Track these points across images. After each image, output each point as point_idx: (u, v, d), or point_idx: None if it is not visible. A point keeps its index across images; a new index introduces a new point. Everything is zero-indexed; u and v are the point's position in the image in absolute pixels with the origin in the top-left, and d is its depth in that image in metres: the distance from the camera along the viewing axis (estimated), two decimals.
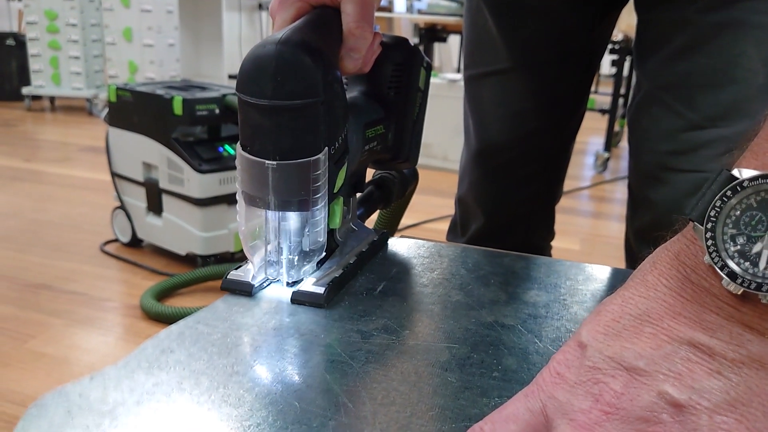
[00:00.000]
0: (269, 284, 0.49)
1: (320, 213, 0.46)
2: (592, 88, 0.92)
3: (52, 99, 4.68)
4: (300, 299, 0.47)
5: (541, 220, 0.93)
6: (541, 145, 0.85)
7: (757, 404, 0.25)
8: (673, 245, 0.29)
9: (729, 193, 0.27)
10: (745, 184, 0.26)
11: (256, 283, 0.48)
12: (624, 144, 4.28)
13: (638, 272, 0.30)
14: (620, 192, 3.26)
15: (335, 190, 0.48)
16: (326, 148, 0.44)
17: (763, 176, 0.26)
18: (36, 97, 4.61)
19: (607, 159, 3.49)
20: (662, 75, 0.67)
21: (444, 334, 0.44)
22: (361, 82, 0.57)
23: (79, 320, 1.63)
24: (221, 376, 0.37)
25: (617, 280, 0.57)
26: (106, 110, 2.03)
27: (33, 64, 4.34)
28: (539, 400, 0.28)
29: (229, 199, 1.87)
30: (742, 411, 0.25)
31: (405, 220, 2.51)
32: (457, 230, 0.94)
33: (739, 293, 0.26)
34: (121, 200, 2.05)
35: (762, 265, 0.26)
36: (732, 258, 0.26)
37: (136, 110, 1.90)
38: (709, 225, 0.27)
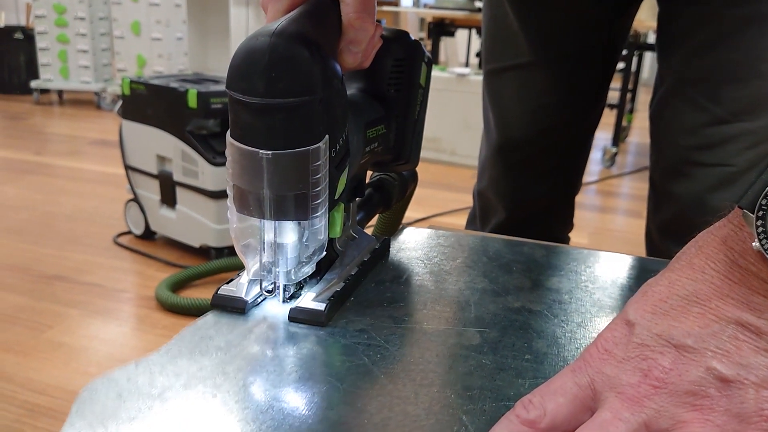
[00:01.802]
0: (264, 299, 0.46)
1: (321, 208, 0.42)
2: None
3: (60, 92, 4.71)
4: (299, 317, 0.43)
5: (560, 212, 0.94)
6: (562, 139, 0.86)
7: None
8: (719, 230, 0.30)
9: None
10: None
11: (249, 298, 0.44)
12: (631, 139, 4.29)
13: (683, 256, 0.31)
14: (627, 187, 3.27)
15: (336, 197, 0.44)
16: (326, 135, 0.41)
17: None
18: (44, 91, 4.63)
19: (615, 154, 3.50)
20: (686, 69, 0.68)
21: (474, 318, 0.45)
22: (358, 79, 0.52)
23: (96, 311, 1.65)
24: (262, 361, 0.39)
25: (635, 267, 0.59)
26: (120, 103, 2.05)
27: (41, 58, 4.36)
28: (587, 374, 0.30)
29: None
30: None
31: (414, 214, 2.52)
32: (477, 223, 0.95)
33: None
34: (134, 193, 2.07)
35: None
36: None
37: (150, 103, 1.92)
38: (760, 213, 0.28)
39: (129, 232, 2.14)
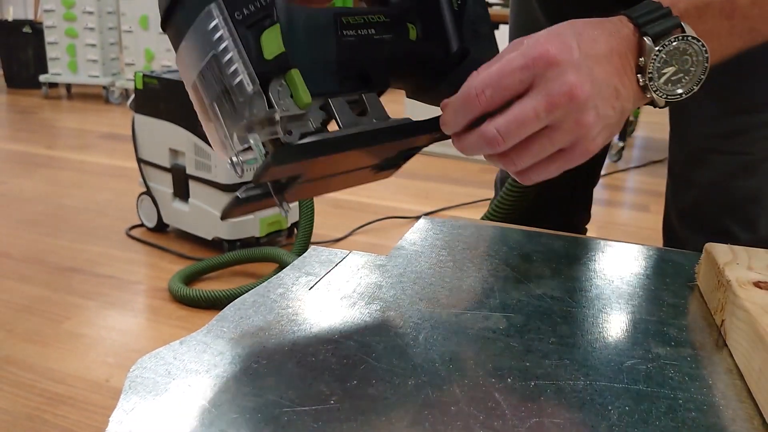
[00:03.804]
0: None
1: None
2: None
3: (68, 86, 4.73)
4: None
5: (580, 202, 0.97)
6: None
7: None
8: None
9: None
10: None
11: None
12: (637, 133, 4.29)
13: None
14: (634, 181, 3.28)
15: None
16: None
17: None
18: (53, 85, 4.65)
19: (622, 148, 3.51)
20: None
21: (499, 304, 0.47)
22: None
23: (111, 302, 1.68)
24: (301, 340, 0.41)
25: (651, 258, 0.60)
26: (132, 97, 2.07)
27: (50, 52, 4.38)
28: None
29: None
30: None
31: (422, 207, 2.52)
32: None
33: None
34: (147, 186, 2.10)
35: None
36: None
37: (163, 97, 1.94)
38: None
39: (141, 225, 2.17)
